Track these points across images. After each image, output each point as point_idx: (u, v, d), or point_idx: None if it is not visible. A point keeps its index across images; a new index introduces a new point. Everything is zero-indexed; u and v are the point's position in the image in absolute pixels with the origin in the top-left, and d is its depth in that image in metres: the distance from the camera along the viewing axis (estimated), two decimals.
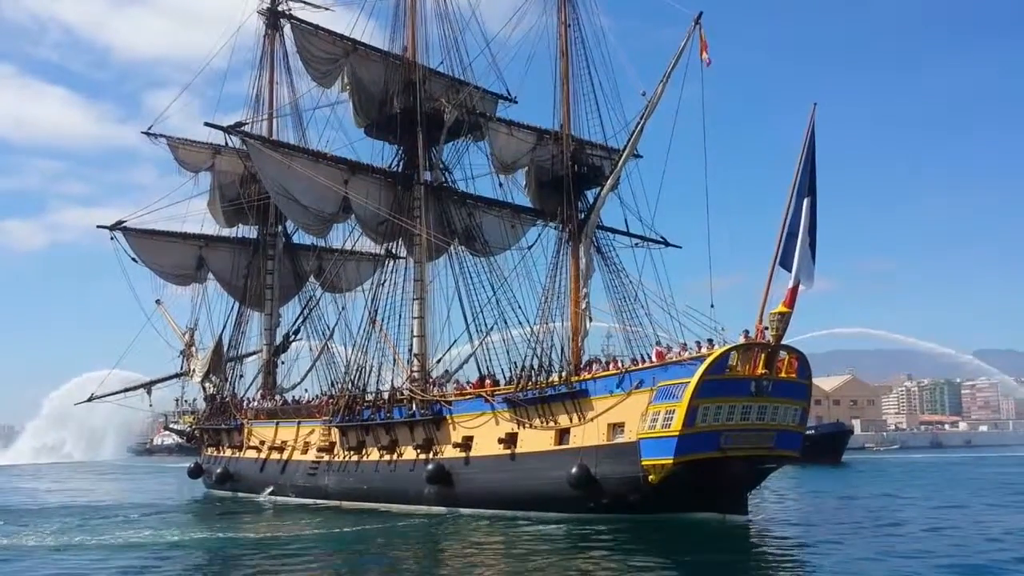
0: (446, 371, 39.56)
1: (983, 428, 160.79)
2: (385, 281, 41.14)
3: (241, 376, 53.37)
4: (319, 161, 41.21)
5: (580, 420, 31.14)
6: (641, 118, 33.13)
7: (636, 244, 37.98)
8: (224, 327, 52.19)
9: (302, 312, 51.48)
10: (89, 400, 59.11)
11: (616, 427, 30.10)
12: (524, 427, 32.81)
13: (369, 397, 39.54)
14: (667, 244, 39.19)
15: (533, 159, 39.23)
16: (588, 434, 30.75)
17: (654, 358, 30.69)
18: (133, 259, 50.05)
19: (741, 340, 28.26)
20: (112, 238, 49.68)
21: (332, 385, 45.41)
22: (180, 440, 71.52)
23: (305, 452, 42.65)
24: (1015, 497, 39.77)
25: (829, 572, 20.80)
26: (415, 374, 39.17)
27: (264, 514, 37.89)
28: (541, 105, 39.78)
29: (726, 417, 27.86)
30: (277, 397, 49.54)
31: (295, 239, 52.25)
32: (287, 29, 48.14)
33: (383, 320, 40.32)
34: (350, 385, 40.58)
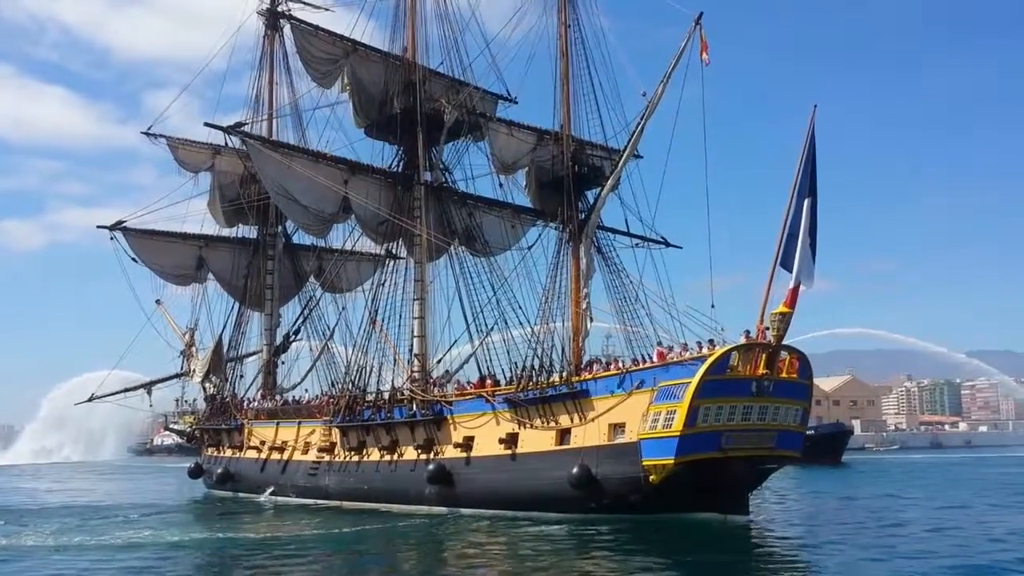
0: (447, 371, 39.54)
1: (983, 428, 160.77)
2: (385, 281, 41.14)
3: (241, 376, 53.40)
4: (319, 161, 41.20)
5: (581, 420, 31.12)
6: (641, 118, 33.11)
7: (636, 244, 38.01)
8: (224, 327, 52.27)
9: (302, 312, 51.49)
10: (89, 400, 59.09)
11: (617, 427, 30.07)
12: (525, 427, 32.79)
13: (370, 397, 39.51)
14: (667, 244, 39.21)
15: (533, 159, 39.19)
16: (589, 434, 30.73)
17: (655, 358, 30.69)
18: (133, 259, 50.06)
19: (742, 340, 28.23)
20: (112, 238, 49.71)
21: (332, 385, 45.42)
22: (180, 440, 71.53)
23: (306, 452, 42.63)
24: (1017, 498, 39.75)
25: (832, 572, 20.81)
26: (415, 374, 39.14)
27: (264, 514, 37.87)
28: (541, 105, 39.79)
29: (727, 417, 27.83)
30: (277, 397, 49.53)
31: (295, 239, 52.24)
32: (287, 30, 48.14)
33: (383, 320, 40.31)
34: (350, 385, 40.55)
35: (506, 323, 37.91)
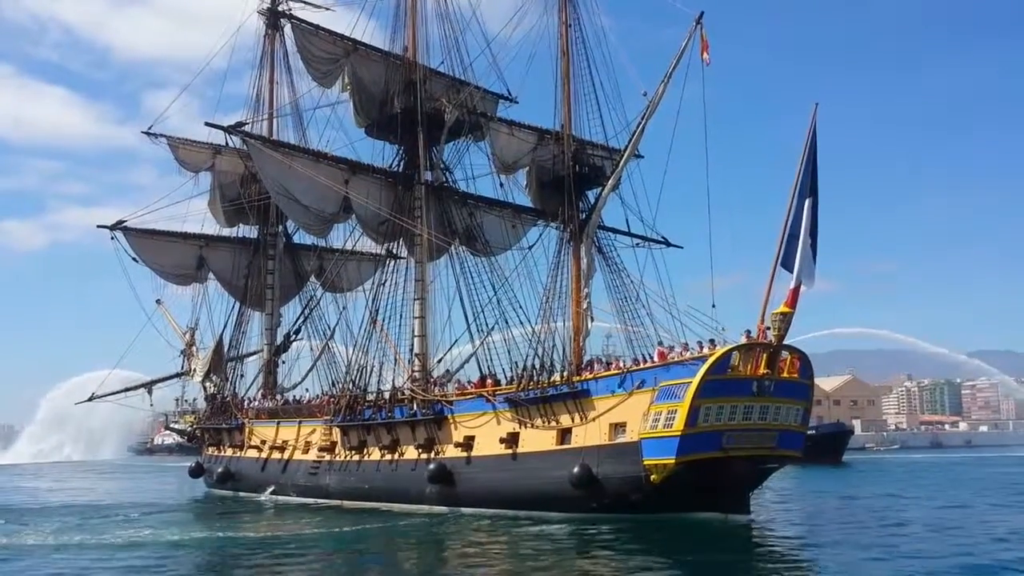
0: (447, 371, 39.55)
1: (983, 428, 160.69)
2: (386, 281, 41.11)
3: (242, 376, 53.46)
4: (320, 161, 41.19)
5: (582, 420, 31.11)
6: (642, 118, 33.07)
7: (637, 244, 38.01)
8: (225, 327, 52.33)
9: (303, 312, 51.51)
10: (90, 400, 59.10)
11: (618, 427, 30.06)
12: (526, 427, 32.78)
13: (370, 397, 39.51)
14: (668, 244, 39.21)
15: (534, 159, 39.17)
16: (590, 434, 30.72)
17: (656, 358, 30.67)
18: (134, 259, 50.08)
19: (743, 340, 28.22)
20: (113, 238, 49.74)
21: (333, 385, 45.38)
22: (181, 440, 71.73)
23: (306, 452, 42.64)
24: (1019, 497, 39.73)
25: (833, 572, 20.79)
26: (416, 374, 39.14)
27: (265, 513, 37.89)
28: (542, 105, 39.78)
29: (728, 417, 27.81)
30: (278, 397, 49.54)
31: (296, 239, 52.26)
32: (287, 29, 48.19)
33: (384, 320, 40.31)
34: (351, 385, 40.54)
35: (507, 323, 37.95)
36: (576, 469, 29.73)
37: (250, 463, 46.72)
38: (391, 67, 41.69)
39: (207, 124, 42.56)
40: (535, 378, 33.27)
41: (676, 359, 29.58)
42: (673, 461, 27.57)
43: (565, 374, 32.60)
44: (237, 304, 52.57)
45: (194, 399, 55.25)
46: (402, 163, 41.86)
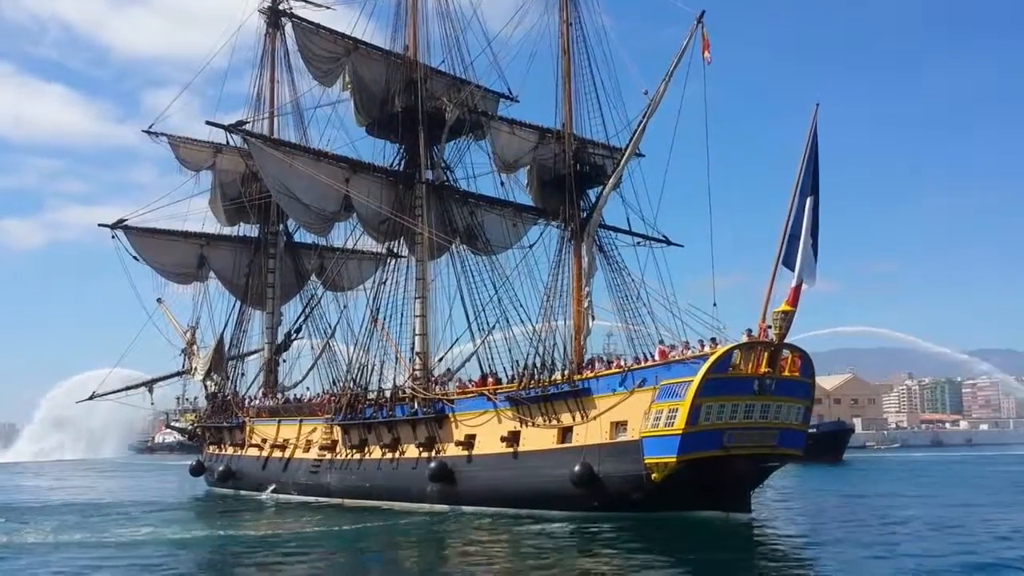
0: (448, 369, 39.56)
1: (984, 427, 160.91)
2: (387, 280, 41.11)
3: (243, 374, 53.49)
4: (320, 160, 41.20)
5: (583, 418, 31.11)
6: (643, 117, 33.08)
7: (638, 243, 38.02)
8: (225, 325, 52.37)
9: (304, 310, 51.54)
10: (91, 398, 59.14)
11: (619, 425, 30.06)
12: (527, 425, 32.78)
13: (371, 395, 39.51)
14: (669, 243, 39.20)
15: (535, 158, 39.15)
16: (591, 432, 30.72)
17: (657, 357, 30.67)
18: (134, 258, 50.08)
19: (744, 339, 28.23)
20: (113, 237, 49.74)
21: (334, 383, 45.41)
22: (182, 438, 71.64)
23: (307, 450, 42.64)
24: (1019, 495, 39.77)
25: (834, 570, 20.82)
26: (417, 372, 39.15)
27: (266, 512, 37.88)
28: (543, 104, 39.89)
29: (729, 416, 27.82)
30: (279, 395, 49.56)
31: (296, 238, 52.26)
32: (288, 28, 48.19)
33: (385, 318, 40.31)
34: (352, 383, 40.55)
35: (508, 321, 37.98)
36: (577, 468, 29.75)
37: (251, 462, 46.73)
38: (392, 66, 41.69)
39: (208, 123, 42.79)
40: (536, 377, 33.28)
41: (677, 358, 29.55)
42: (674, 460, 27.58)
43: (566, 373, 32.61)
44: (238, 303, 52.61)
45: (195, 398, 55.30)
46: (403, 162, 41.86)
